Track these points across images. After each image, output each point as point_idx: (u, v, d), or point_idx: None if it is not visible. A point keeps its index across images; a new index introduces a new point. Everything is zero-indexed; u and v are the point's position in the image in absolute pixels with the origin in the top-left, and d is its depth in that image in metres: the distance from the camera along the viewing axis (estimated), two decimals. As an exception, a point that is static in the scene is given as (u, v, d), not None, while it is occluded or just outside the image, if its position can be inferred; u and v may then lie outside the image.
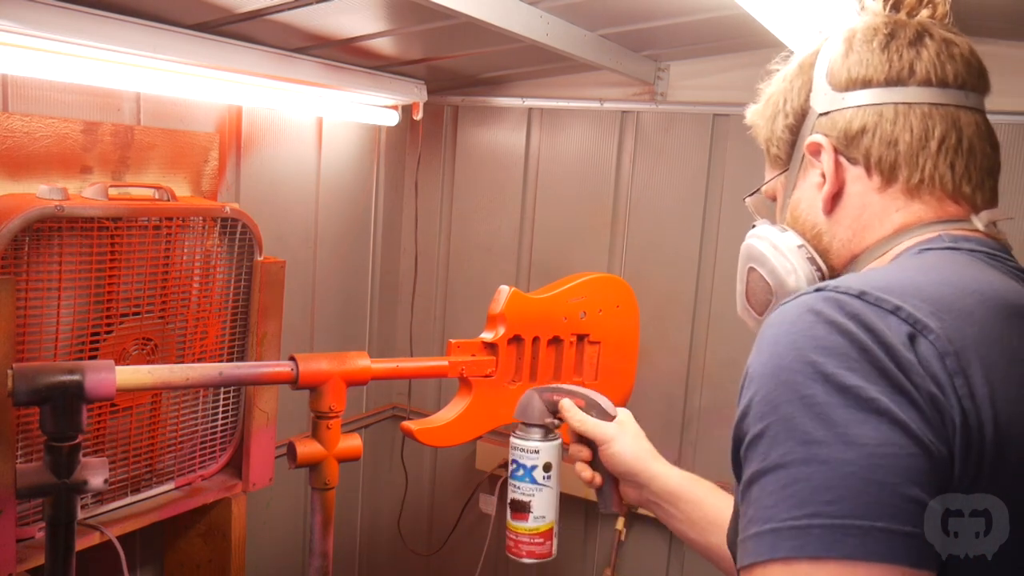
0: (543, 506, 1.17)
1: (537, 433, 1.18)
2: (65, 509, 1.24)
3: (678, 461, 2.31)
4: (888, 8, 0.82)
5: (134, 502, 1.69)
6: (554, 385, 1.25)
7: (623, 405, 2.05)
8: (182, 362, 1.68)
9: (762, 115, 0.92)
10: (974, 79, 0.80)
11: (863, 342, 0.58)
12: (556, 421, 1.20)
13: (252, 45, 1.70)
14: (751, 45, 2.06)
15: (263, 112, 2.06)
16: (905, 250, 0.75)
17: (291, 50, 1.80)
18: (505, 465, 2.49)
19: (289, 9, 1.51)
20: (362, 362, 1.55)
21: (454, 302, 2.64)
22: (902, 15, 0.81)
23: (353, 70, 1.99)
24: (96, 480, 1.25)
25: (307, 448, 1.51)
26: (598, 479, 1.18)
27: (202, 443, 1.80)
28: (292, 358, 1.48)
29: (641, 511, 2.32)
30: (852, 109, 0.78)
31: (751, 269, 0.88)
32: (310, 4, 1.48)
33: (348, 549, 2.71)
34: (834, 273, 0.82)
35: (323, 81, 1.89)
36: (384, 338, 2.68)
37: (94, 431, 1.57)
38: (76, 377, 1.20)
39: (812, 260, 0.82)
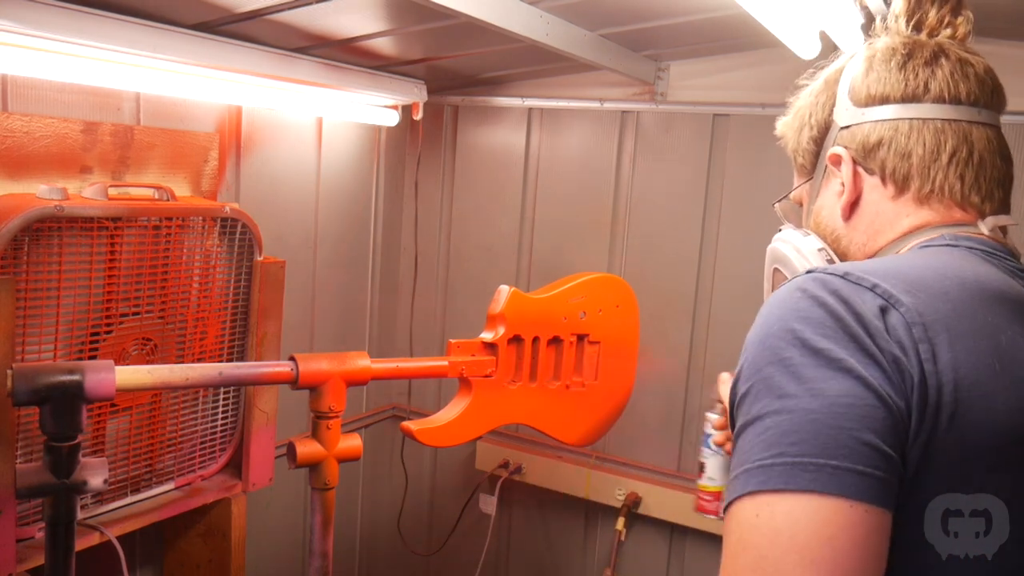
0: (714, 469, 1.35)
1: (719, 407, 1.31)
2: (65, 509, 1.24)
3: (678, 461, 2.32)
4: (911, 28, 0.88)
5: (134, 502, 1.69)
6: None
7: (623, 405, 2.06)
8: (182, 362, 1.68)
9: (790, 127, 0.98)
10: (987, 96, 0.85)
11: (838, 313, 0.66)
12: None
13: (252, 45, 1.70)
14: (751, 45, 2.06)
15: (263, 112, 2.06)
16: (908, 248, 0.82)
17: (291, 50, 1.80)
18: (505, 465, 2.50)
19: (289, 9, 1.51)
20: (362, 362, 1.55)
21: (454, 302, 2.64)
22: (923, 35, 0.87)
23: (353, 70, 1.99)
24: (96, 480, 1.25)
25: (307, 448, 1.51)
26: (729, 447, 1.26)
27: (202, 443, 1.80)
28: (292, 358, 1.48)
29: (641, 511, 2.32)
30: (870, 123, 0.85)
31: (776, 270, 0.96)
32: (310, 4, 1.48)
33: (348, 549, 2.71)
34: None
35: (323, 81, 1.89)
36: (384, 338, 2.68)
37: (94, 431, 1.57)
38: (76, 377, 1.20)
39: (831, 262, 0.88)
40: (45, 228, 1.40)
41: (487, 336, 1.76)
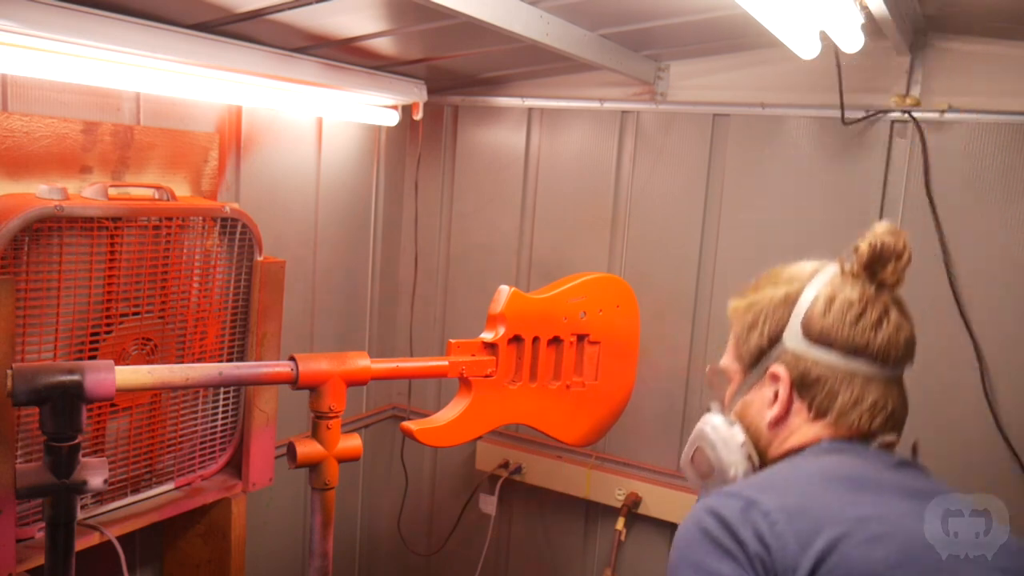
0: None
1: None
2: (65, 509, 1.25)
3: (678, 461, 2.32)
4: (866, 275, 1.02)
5: (134, 502, 1.69)
6: None
7: (623, 405, 2.06)
8: (182, 362, 1.68)
9: (742, 318, 1.09)
10: (908, 356, 1.02)
11: (712, 532, 0.87)
12: None
13: (252, 45, 1.70)
14: (751, 45, 2.06)
15: (263, 112, 2.06)
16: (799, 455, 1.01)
17: (291, 50, 1.80)
18: (505, 465, 2.50)
19: (289, 9, 1.51)
20: (362, 362, 1.55)
21: (454, 302, 2.64)
22: (872, 288, 1.02)
23: (353, 70, 1.99)
24: (96, 480, 1.25)
25: (307, 448, 1.51)
26: None
27: (202, 443, 1.80)
28: (292, 358, 1.48)
29: (641, 511, 2.32)
30: (813, 361, 1.01)
31: (700, 449, 1.12)
32: (310, 4, 1.48)
33: (348, 549, 2.71)
34: (763, 464, 1.07)
35: (323, 81, 1.89)
36: (384, 338, 2.68)
37: (94, 431, 1.57)
38: (76, 377, 1.20)
39: (749, 457, 1.07)
40: (45, 228, 1.40)
41: (487, 336, 1.76)
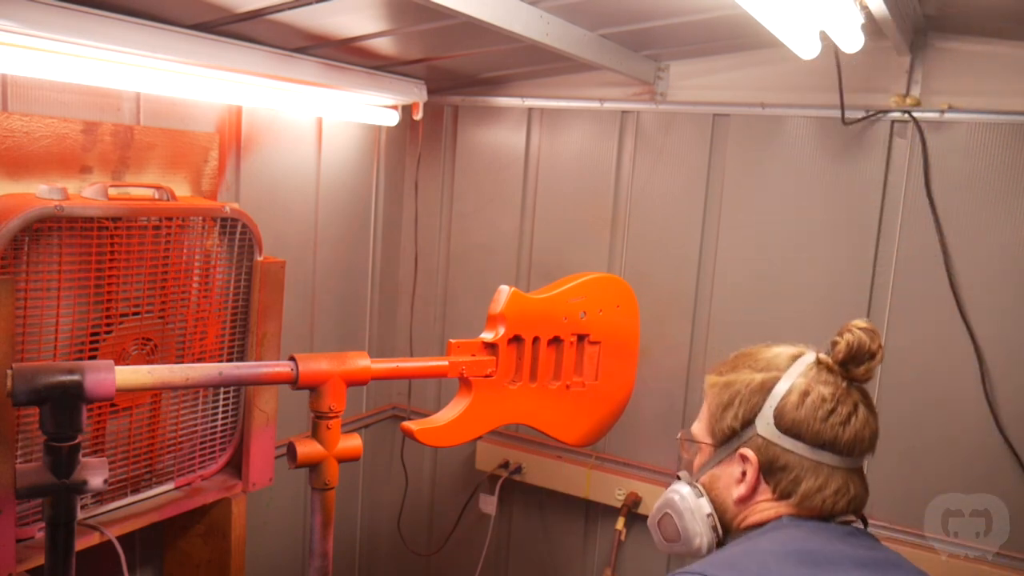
0: None
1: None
2: (65, 509, 1.24)
3: (678, 460, 2.32)
4: (840, 369, 1.09)
5: (134, 502, 1.69)
6: None
7: (623, 405, 2.06)
8: (182, 362, 1.68)
9: (718, 395, 1.14)
10: (871, 449, 1.09)
11: None
12: None
13: (252, 45, 1.70)
14: (751, 45, 2.06)
15: (263, 112, 2.06)
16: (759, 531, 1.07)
17: (291, 50, 1.80)
18: (505, 465, 2.50)
19: (289, 9, 1.51)
20: (362, 362, 1.55)
21: (454, 302, 2.64)
22: (844, 383, 1.08)
23: (353, 70, 1.99)
24: (96, 480, 1.25)
25: (307, 448, 1.51)
26: None
27: (202, 443, 1.80)
28: (292, 358, 1.48)
29: (641, 511, 2.32)
30: (781, 449, 1.06)
31: (667, 515, 1.17)
32: (310, 4, 1.48)
33: (348, 549, 2.71)
34: (726, 533, 1.14)
35: (323, 81, 1.89)
36: (384, 338, 2.68)
37: (94, 431, 1.57)
38: (76, 377, 1.20)
39: (715, 528, 1.13)
40: (45, 228, 1.40)
41: (487, 336, 1.76)
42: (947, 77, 1.92)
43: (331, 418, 1.51)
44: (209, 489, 1.81)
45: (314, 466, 1.52)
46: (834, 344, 1.10)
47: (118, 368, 1.25)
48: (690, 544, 1.14)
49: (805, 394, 1.07)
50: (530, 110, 2.43)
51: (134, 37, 1.46)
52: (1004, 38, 1.84)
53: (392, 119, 2.32)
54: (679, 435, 1.24)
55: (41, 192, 1.43)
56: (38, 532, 1.49)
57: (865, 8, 1.51)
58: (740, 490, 1.09)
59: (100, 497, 1.63)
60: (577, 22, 1.80)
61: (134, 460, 1.67)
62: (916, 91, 1.95)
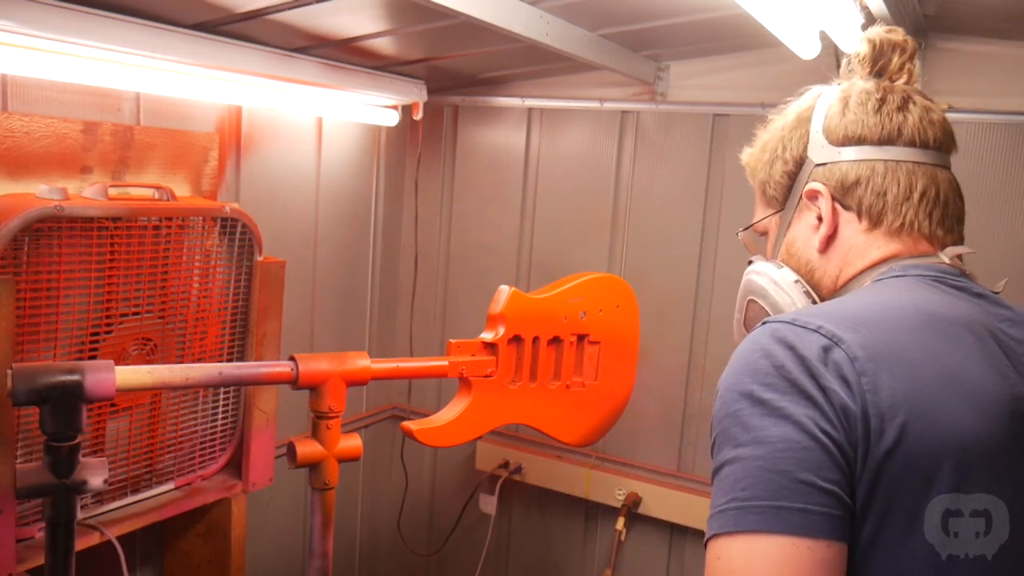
0: None
1: None
2: (65, 509, 1.24)
3: (678, 461, 2.32)
4: (872, 73, 0.96)
5: (134, 502, 1.69)
6: None
7: (623, 405, 2.06)
8: (182, 362, 1.68)
9: (759, 160, 1.03)
10: (948, 141, 0.92)
11: (781, 362, 0.73)
12: None
13: (252, 45, 1.70)
14: (751, 45, 2.06)
15: (263, 112, 2.06)
16: (870, 281, 0.89)
17: (291, 50, 1.80)
18: (505, 465, 2.50)
19: (289, 9, 1.51)
20: (362, 362, 1.55)
21: (454, 302, 2.64)
22: (885, 81, 0.95)
23: (353, 70, 1.99)
24: (96, 480, 1.25)
25: (307, 448, 1.51)
26: None
27: (202, 443, 1.80)
28: (292, 358, 1.48)
29: (641, 511, 2.32)
30: (848, 163, 0.91)
31: (752, 301, 1.02)
32: (310, 4, 1.48)
33: (348, 549, 2.71)
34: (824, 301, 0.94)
35: (323, 81, 1.89)
36: (384, 338, 2.68)
37: (94, 431, 1.57)
38: (76, 377, 1.20)
39: (808, 294, 0.95)
40: (45, 228, 1.40)
41: (487, 336, 1.76)
42: (947, 77, 1.92)
43: (331, 418, 1.51)
44: (209, 489, 1.81)
45: (314, 466, 1.52)
46: (856, 53, 0.97)
47: (118, 368, 1.25)
48: None
49: (846, 99, 0.93)
50: (530, 110, 2.43)
51: (134, 37, 1.46)
52: (1004, 38, 1.84)
53: (392, 119, 2.32)
54: (738, 234, 1.11)
55: (41, 192, 1.43)
56: (38, 532, 1.49)
57: (865, 8, 1.51)
58: (822, 231, 0.92)
59: (100, 497, 1.63)
60: (577, 22, 1.80)
61: (134, 460, 1.67)
62: (916, 91, 1.95)
